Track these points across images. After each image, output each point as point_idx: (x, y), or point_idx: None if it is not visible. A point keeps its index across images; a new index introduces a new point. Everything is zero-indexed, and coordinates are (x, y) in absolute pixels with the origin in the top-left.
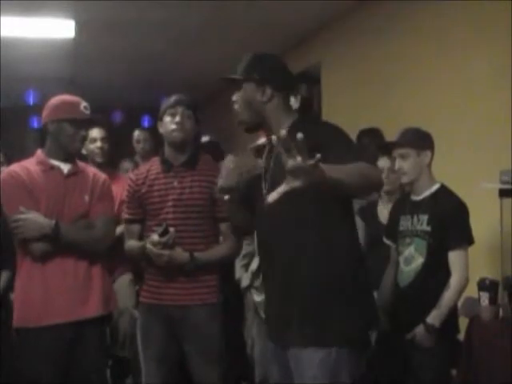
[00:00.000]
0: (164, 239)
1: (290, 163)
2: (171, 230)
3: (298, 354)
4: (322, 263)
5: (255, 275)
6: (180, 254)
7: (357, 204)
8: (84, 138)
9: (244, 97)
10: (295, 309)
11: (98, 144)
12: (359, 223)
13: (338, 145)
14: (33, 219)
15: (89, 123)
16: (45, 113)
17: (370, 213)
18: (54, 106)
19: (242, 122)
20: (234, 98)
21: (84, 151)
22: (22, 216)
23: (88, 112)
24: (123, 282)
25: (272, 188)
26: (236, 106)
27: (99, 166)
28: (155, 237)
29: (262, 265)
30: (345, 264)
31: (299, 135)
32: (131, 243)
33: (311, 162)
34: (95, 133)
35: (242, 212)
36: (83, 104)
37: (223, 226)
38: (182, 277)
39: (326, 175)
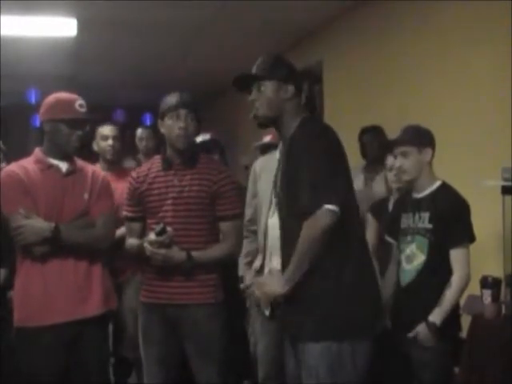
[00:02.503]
0: (161, 238)
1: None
2: (169, 229)
3: (302, 348)
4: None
5: (258, 273)
6: (177, 253)
7: (368, 201)
8: (81, 138)
9: (266, 94)
10: (298, 307)
11: (110, 142)
12: (370, 220)
13: (300, 173)
14: (32, 224)
15: (85, 122)
16: (41, 112)
17: (381, 210)
18: (50, 105)
19: (260, 117)
20: (252, 96)
21: (95, 148)
22: (22, 223)
23: (84, 110)
24: (132, 283)
25: (277, 189)
26: (256, 103)
27: (110, 163)
28: (152, 236)
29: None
30: (343, 258)
31: None
32: (131, 241)
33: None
34: (107, 130)
35: None
36: (78, 102)
37: (223, 225)
38: (180, 276)
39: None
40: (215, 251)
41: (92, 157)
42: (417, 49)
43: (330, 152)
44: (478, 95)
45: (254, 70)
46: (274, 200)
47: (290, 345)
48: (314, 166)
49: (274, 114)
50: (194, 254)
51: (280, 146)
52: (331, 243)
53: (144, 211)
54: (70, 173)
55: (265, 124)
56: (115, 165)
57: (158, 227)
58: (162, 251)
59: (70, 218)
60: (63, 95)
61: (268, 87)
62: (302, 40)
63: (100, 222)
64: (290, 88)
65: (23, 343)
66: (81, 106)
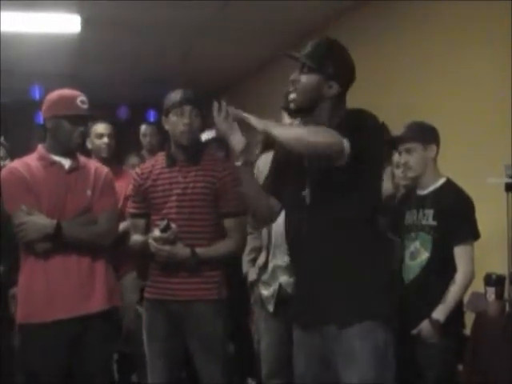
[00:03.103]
0: (165, 235)
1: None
2: (173, 225)
3: (338, 331)
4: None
5: (262, 269)
6: (181, 250)
7: None
8: (83, 134)
9: (307, 83)
10: (332, 289)
11: (105, 140)
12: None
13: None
14: (34, 221)
15: (87, 119)
16: (43, 109)
17: (387, 207)
18: (52, 102)
19: (293, 103)
20: (293, 76)
21: (89, 146)
22: (24, 220)
23: (85, 106)
24: (129, 278)
25: (313, 178)
26: (292, 87)
27: (104, 161)
28: (157, 232)
29: (291, 250)
30: (372, 250)
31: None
32: (135, 238)
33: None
34: (101, 128)
35: (265, 200)
36: (80, 98)
37: (227, 222)
38: (184, 272)
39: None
40: (220, 248)
41: (85, 155)
42: (417, 48)
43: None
44: (479, 93)
45: (305, 53)
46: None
47: (302, 340)
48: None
49: (309, 105)
50: (199, 250)
51: None
52: (373, 228)
53: (148, 207)
54: (72, 169)
55: (296, 111)
56: (110, 163)
57: (162, 224)
58: (167, 248)
59: (72, 215)
60: (65, 92)
61: (312, 77)
62: (302, 40)
63: (103, 219)
64: (335, 86)
65: (27, 340)
66: (82, 102)
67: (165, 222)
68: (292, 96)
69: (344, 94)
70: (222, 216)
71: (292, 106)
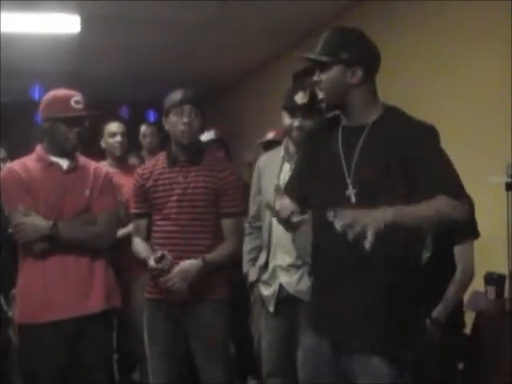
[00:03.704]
0: (160, 265)
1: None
2: (169, 256)
3: (365, 359)
4: (394, 271)
5: (262, 269)
6: (192, 265)
7: None
8: (79, 134)
9: (330, 78)
10: (365, 312)
11: (118, 138)
12: None
13: (430, 165)
14: (30, 222)
15: (83, 119)
16: (40, 110)
17: None
18: (46, 103)
19: (322, 102)
20: (315, 77)
21: (103, 145)
22: (20, 220)
23: (80, 106)
24: (142, 280)
25: (361, 175)
26: (318, 88)
27: (118, 159)
28: (151, 262)
29: (317, 258)
30: (415, 277)
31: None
32: (137, 247)
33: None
34: (114, 127)
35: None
36: (74, 99)
37: (225, 222)
38: None
39: (393, 220)
40: (224, 251)
41: (99, 154)
42: (417, 49)
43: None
44: (480, 93)
45: (317, 49)
46: (349, 190)
47: (321, 350)
48: (449, 163)
49: (339, 100)
50: (208, 257)
51: (340, 130)
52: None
53: (150, 207)
54: (71, 170)
55: (328, 109)
56: (123, 161)
57: (156, 255)
58: (176, 274)
59: (71, 215)
60: (60, 93)
61: (332, 72)
62: (302, 40)
63: (101, 219)
64: (358, 72)
65: (25, 340)
66: (77, 102)
67: (158, 254)
68: (320, 97)
69: (372, 80)
70: (221, 216)
71: (323, 106)
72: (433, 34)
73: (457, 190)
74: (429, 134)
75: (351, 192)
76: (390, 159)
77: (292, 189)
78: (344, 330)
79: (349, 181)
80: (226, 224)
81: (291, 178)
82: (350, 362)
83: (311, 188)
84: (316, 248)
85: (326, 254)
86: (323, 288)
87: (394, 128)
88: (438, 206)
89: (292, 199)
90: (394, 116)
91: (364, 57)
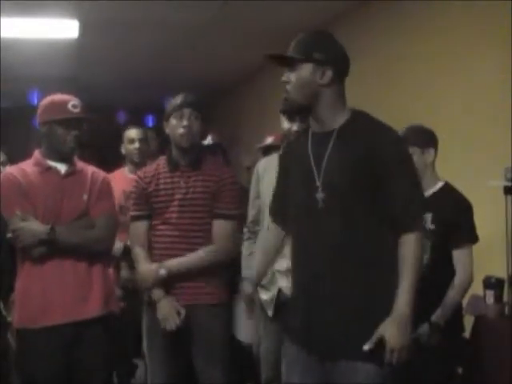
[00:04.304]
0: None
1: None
2: (182, 311)
3: (349, 366)
4: (373, 274)
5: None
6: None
7: None
8: (77, 138)
9: (300, 77)
10: (347, 320)
11: (136, 145)
12: None
13: (395, 181)
14: (28, 227)
15: (81, 122)
16: (37, 114)
17: None
18: (44, 107)
19: (289, 102)
20: (284, 78)
21: (123, 151)
22: (18, 225)
23: (77, 110)
24: None
25: (329, 179)
26: (287, 86)
27: (137, 165)
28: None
29: (296, 262)
30: (392, 274)
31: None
32: (136, 253)
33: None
34: (133, 133)
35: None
36: (71, 103)
37: (215, 224)
38: (185, 277)
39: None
40: (192, 260)
41: (119, 160)
42: (418, 49)
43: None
44: (480, 95)
45: (290, 48)
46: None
47: (304, 361)
48: (414, 178)
49: (307, 100)
50: (167, 263)
51: (310, 136)
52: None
53: (151, 209)
54: (68, 174)
55: (295, 111)
56: (142, 167)
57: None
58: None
59: (69, 220)
60: (57, 97)
61: (302, 69)
62: None
63: (99, 223)
64: (328, 73)
65: (23, 344)
66: (74, 106)
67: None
68: (286, 97)
69: (341, 83)
70: (215, 216)
71: (288, 107)
72: (432, 35)
73: (417, 215)
74: (396, 142)
75: (320, 196)
76: (357, 163)
77: (275, 212)
78: (327, 340)
79: (318, 184)
80: (215, 226)
81: (274, 198)
82: (335, 370)
83: (289, 199)
84: (295, 262)
85: (305, 268)
86: (303, 301)
87: (362, 133)
88: (412, 262)
89: (277, 223)
90: (361, 120)
91: (334, 58)
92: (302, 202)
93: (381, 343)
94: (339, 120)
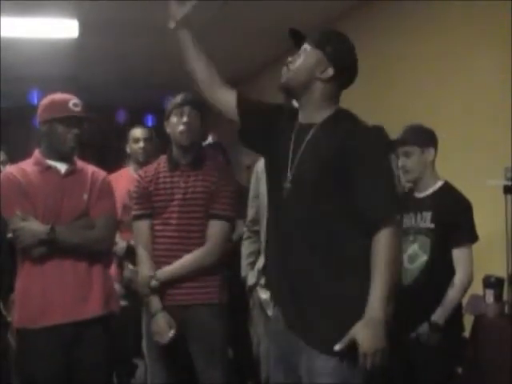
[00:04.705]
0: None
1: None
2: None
3: (310, 360)
4: (335, 264)
5: (261, 273)
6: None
7: None
8: (77, 136)
9: (305, 61)
10: (309, 311)
11: (141, 144)
12: None
13: (370, 180)
14: (28, 227)
15: (81, 121)
16: (38, 114)
17: None
18: (44, 106)
19: (285, 81)
20: (290, 58)
21: (128, 150)
22: (18, 225)
23: (78, 109)
24: None
25: (299, 172)
26: (289, 66)
27: (141, 165)
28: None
29: (268, 247)
30: (363, 276)
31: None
32: (140, 255)
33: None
34: (138, 133)
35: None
36: (72, 101)
37: (210, 224)
38: (183, 278)
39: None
40: (186, 263)
41: (124, 159)
42: (418, 49)
43: (389, 159)
44: (480, 95)
45: (310, 33)
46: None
47: (281, 357)
48: (388, 174)
49: (299, 85)
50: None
51: (297, 125)
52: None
53: (152, 209)
54: (68, 174)
55: (286, 90)
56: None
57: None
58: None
59: (69, 219)
60: (57, 96)
61: (309, 56)
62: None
63: (100, 223)
64: (330, 70)
65: (23, 344)
66: (75, 105)
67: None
68: (283, 75)
69: (337, 89)
70: (209, 217)
71: (281, 84)
72: (432, 35)
73: (386, 214)
74: (370, 141)
75: (287, 186)
76: (329, 160)
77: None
78: (292, 321)
79: (289, 175)
80: (209, 226)
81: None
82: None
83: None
84: (268, 232)
85: (273, 238)
86: (274, 273)
87: (339, 131)
88: (383, 260)
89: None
90: (342, 118)
91: (343, 62)
92: (272, 188)
93: (353, 345)
94: (323, 115)
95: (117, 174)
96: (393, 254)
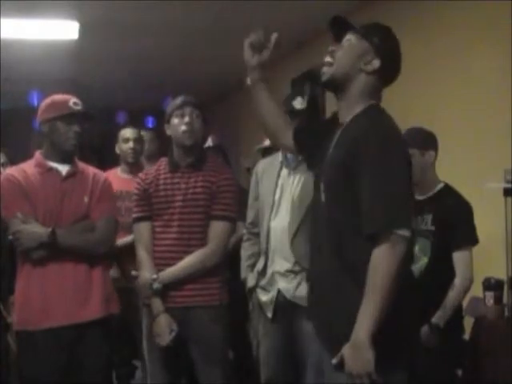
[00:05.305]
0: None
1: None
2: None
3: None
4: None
5: (261, 275)
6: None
7: None
8: (78, 134)
9: (348, 51)
10: (323, 312)
11: (131, 145)
12: None
13: (368, 179)
14: (28, 230)
15: (82, 118)
16: (38, 114)
17: None
18: (45, 106)
19: (328, 73)
20: (332, 47)
21: (117, 151)
22: (18, 228)
23: (78, 107)
24: None
25: (324, 172)
26: (329, 57)
27: (131, 165)
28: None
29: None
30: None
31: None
32: (141, 256)
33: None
34: (128, 133)
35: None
36: (73, 100)
37: (212, 225)
38: (184, 280)
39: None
40: (187, 264)
41: (114, 159)
42: (418, 50)
43: (405, 163)
44: (480, 97)
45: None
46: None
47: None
48: (392, 177)
49: (342, 78)
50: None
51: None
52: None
53: (152, 211)
54: (69, 175)
55: (327, 83)
56: (136, 167)
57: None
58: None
59: (69, 222)
60: (58, 96)
61: (354, 45)
62: (304, 41)
63: (100, 226)
64: (375, 62)
65: (23, 346)
66: (75, 103)
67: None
68: (326, 66)
69: (380, 83)
70: (210, 218)
71: (324, 77)
72: (431, 36)
73: (384, 227)
74: (374, 143)
75: (322, 191)
76: (340, 161)
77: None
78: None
79: (322, 180)
80: (211, 227)
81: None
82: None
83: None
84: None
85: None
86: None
87: (357, 128)
88: (374, 282)
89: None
90: (366, 115)
91: (389, 55)
92: (315, 196)
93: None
94: (352, 113)
95: None
96: (386, 272)
